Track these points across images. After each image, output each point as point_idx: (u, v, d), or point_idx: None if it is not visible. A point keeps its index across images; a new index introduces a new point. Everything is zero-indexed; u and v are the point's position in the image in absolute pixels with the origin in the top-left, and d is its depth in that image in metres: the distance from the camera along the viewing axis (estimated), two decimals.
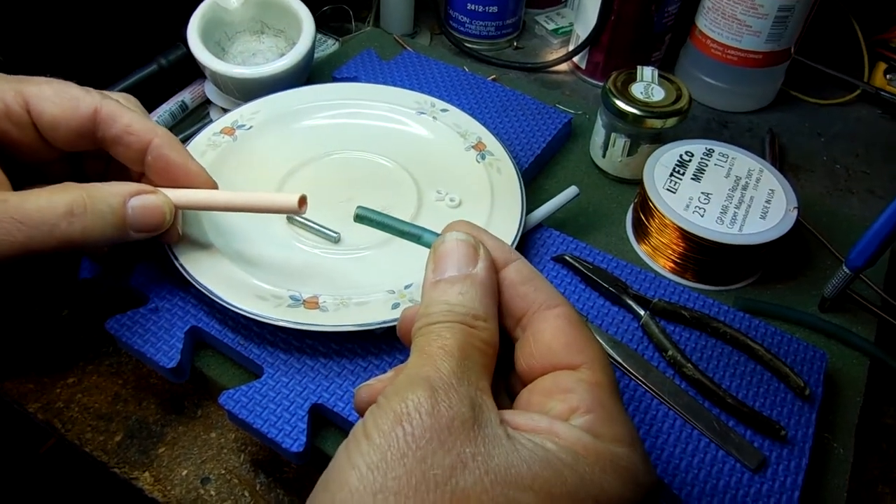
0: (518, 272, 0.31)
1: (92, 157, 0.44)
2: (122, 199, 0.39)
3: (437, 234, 0.33)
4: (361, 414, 0.29)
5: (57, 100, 0.39)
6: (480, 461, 0.24)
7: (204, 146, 0.52)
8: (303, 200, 0.40)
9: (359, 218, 0.35)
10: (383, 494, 0.23)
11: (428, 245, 0.33)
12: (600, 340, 0.45)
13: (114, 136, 0.40)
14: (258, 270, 0.45)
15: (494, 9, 0.76)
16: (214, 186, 0.43)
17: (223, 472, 0.43)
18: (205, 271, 0.44)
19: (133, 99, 0.44)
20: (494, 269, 0.31)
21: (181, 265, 0.44)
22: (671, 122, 0.55)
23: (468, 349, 0.28)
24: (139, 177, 0.43)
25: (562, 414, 0.27)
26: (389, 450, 0.24)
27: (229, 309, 0.42)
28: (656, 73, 0.58)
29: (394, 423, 0.25)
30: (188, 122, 0.65)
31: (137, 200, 0.39)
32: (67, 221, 0.37)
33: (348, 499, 0.23)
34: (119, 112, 0.40)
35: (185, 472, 0.43)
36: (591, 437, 0.26)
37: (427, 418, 0.25)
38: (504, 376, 0.32)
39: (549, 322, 0.30)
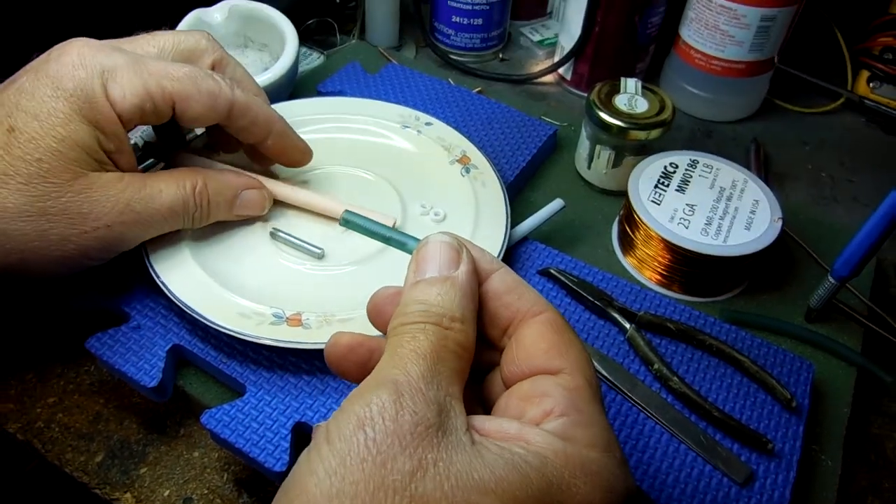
0: (502, 282, 0.31)
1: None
2: (235, 191, 0.46)
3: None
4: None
5: (199, 98, 0.41)
6: (441, 467, 0.24)
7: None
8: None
9: (345, 222, 0.34)
10: (339, 499, 0.23)
11: (412, 252, 0.32)
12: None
13: (240, 127, 0.45)
14: (241, 287, 0.44)
15: (479, 21, 0.76)
16: (310, 154, 0.50)
17: (206, 491, 0.42)
18: (186, 288, 0.43)
19: (241, 71, 0.47)
20: (476, 274, 0.31)
21: (162, 283, 0.43)
22: (655, 133, 0.55)
23: (442, 352, 0.27)
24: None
25: (536, 417, 0.27)
26: (349, 455, 0.24)
27: (211, 327, 0.41)
28: (640, 84, 0.58)
29: (355, 428, 0.24)
30: None
31: (247, 194, 0.47)
32: (189, 214, 0.44)
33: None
34: (247, 106, 0.44)
35: (167, 493, 0.42)
36: (562, 441, 0.26)
37: (390, 423, 0.24)
38: (479, 383, 0.32)
39: (532, 328, 0.30)
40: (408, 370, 0.26)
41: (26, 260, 0.39)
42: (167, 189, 0.42)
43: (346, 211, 0.35)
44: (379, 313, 0.32)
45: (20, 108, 0.38)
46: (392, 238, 0.34)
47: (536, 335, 0.29)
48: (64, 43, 0.41)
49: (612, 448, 0.27)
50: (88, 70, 0.39)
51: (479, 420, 0.27)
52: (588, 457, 0.26)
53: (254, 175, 0.48)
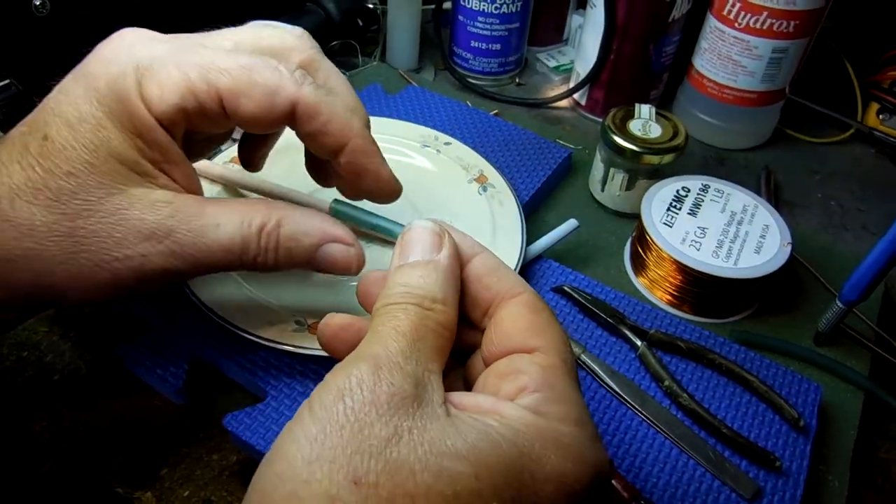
0: (483, 264, 0.32)
1: None
2: (316, 241, 0.36)
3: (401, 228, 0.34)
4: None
5: (253, 94, 0.33)
6: (416, 434, 0.25)
7: (216, 174, 0.54)
8: None
9: (334, 212, 0.36)
10: (319, 463, 0.24)
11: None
12: (598, 370, 0.46)
13: (307, 133, 0.35)
14: (263, 295, 0.46)
15: (497, 46, 0.78)
16: (400, 191, 0.39)
17: (225, 493, 0.43)
18: (212, 294, 0.45)
19: (336, 76, 0.38)
20: (458, 258, 0.32)
21: (187, 287, 0.45)
22: (668, 158, 0.57)
23: (422, 330, 0.28)
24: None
25: (510, 393, 0.28)
26: (329, 422, 0.25)
27: (234, 332, 0.43)
28: (653, 110, 0.60)
29: (335, 398, 0.25)
30: None
31: (331, 249, 0.36)
32: (249, 258, 0.35)
33: (286, 468, 0.24)
34: (316, 107, 0.34)
35: (186, 493, 0.43)
36: (534, 415, 0.27)
37: (368, 393, 0.25)
38: (462, 364, 0.33)
39: (510, 309, 0.31)
40: (387, 346, 0.27)
41: (57, 285, 0.33)
42: (227, 223, 0.34)
43: (335, 200, 0.36)
44: (367, 295, 0.33)
45: (55, 113, 0.33)
46: (379, 225, 0.35)
47: (515, 315, 0.31)
48: (113, 34, 0.35)
49: (584, 423, 0.28)
50: (121, 65, 0.32)
51: (457, 396, 0.28)
52: (559, 430, 0.27)
53: (336, 222, 0.37)
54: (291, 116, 0.34)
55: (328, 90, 0.36)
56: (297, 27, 0.38)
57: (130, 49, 0.33)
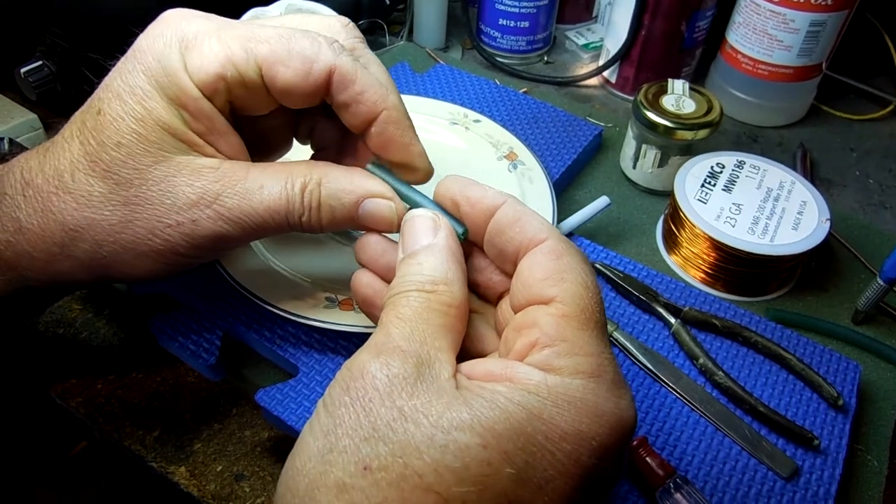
0: (505, 215, 0.32)
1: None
2: (356, 198, 0.35)
3: (428, 200, 0.35)
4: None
5: (290, 62, 0.33)
6: (420, 411, 0.25)
7: None
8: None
9: (369, 171, 0.37)
10: (332, 454, 0.25)
11: None
12: (631, 348, 0.45)
13: (342, 102, 0.35)
14: (296, 271, 0.46)
15: (526, 24, 0.77)
16: (431, 173, 0.39)
17: (257, 469, 0.44)
18: (243, 271, 0.45)
19: (375, 63, 0.38)
20: (456, 236, 0.33)
21: (219, 263, 0.45)
22: (702, 133, 0.56)
23: (425, 313, 0.29)
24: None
25: (522, 350, 0.28)
26: (338, 415, 0.26)
27: (266, 309, 0.43)
28: (687, 85, 0.59)
29: (341, 390, 0.27)
30: None
31: (371, 204, 0.36)
32: (294, 218, 0.35)
33: (305, 462, 0.26)
34: (352, 76, 0.34)
35: (220, 468, 0.44)
36: (543, 374, 0.27)
37: (369, 380, 0.26)
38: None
39: (531, 258, 0.31)
40: (389, 332, 0.29)
41: (118, 254, 0.35)
42: (270, 185, 0.34)
43: (372, 163, 0.36)
44: (370, 305, 0.36)
45: (109, 89, 0.34)
46: (409, 196, 0.35)
47: (534, 264, 0.31)
48: (161, 14, 0.36)
49: (603, 372, 0.27)
50: (167, 39, 0.34)
51: (469, 365, 0.29)
52: (571, 385, 0.27)
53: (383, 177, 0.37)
54: (327, 86, 0.34)
55: (364, 64, 0.36)
56: (343, 16, 0.39)
57: (177, 25, 0.34)
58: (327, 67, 0.34)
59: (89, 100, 0.35)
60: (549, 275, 0.30)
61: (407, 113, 0.37)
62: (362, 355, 0.28)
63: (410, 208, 0.35)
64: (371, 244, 0.36)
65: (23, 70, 0.62)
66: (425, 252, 0.32)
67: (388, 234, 0.36)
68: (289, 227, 0.36)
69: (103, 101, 0.34)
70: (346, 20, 0.39)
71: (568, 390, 0.26)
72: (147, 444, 0.44)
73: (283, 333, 0.45)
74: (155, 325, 0.44)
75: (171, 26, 0.34)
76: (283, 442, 0.45)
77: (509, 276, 0.33)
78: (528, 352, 0.28)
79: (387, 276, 0.35)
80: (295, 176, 0.35)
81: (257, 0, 0.65)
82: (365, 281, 0.36)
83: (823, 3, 0.63)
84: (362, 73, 0.35)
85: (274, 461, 0.44)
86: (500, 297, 0.35)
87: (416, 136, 0.37)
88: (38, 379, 0.47)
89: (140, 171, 0.33)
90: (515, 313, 0.31)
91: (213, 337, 0.44)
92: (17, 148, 0.55)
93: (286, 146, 0.43)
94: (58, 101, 0.65)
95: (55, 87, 0.63)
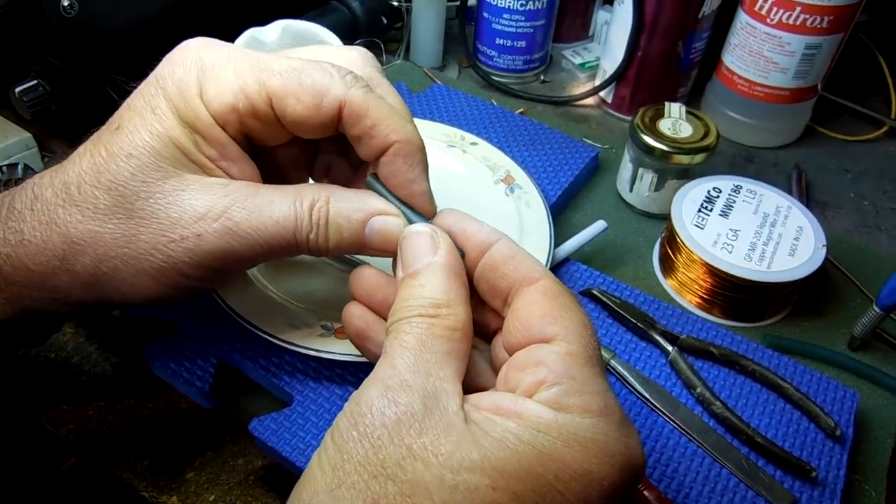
0: (500, 252, 0.32)
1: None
2: (364, 216, 0.35)
3: (424, 219, 0.34)
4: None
5: (301, 96, 0.33)
6: (429, 450, 0.25)
7: None
8: None
9: (368, 184, 0.36)
10: (341, 490, 0.25)
11: None
12: (628, 376, 0.45)
13: (354, 135, 0.35)
14: (290, 298, 0.46)
15: (522, 43, 0.77)
16: (434, 212, 0.37)
17: (250, 498, 0.43)
18: (238, 298, 0.44)
19: (392, 93, 0.37)
20: (456, 253, 0.32)
21: (214, 292, 0.44)
22: (699, 158, 0.56)
23: (428, 340, 0.29)
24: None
25: (529, 388, 0.28)
26: (346, 449, 0.26)
27: (260, 336, 0.43)
28: (684, 109, 0.59)
29: (349, 426, 0.27)
30: None
31: (379, 222, 0.35)
32: (302, 235, 0.35)
33: (313, 496, 0.26)
34: (364, 109, 0.34)
35: (212, 498, 0.43)
36: (553, 412, 0.27)
37: (378, 416, 0.26)
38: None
39: (527, 297, 0.31)
40: (394, 364, 0.28)
41: (118, 271, 0.34)
42: (280, 201, 0.34)
43: (371, 175, 0.36)
44: (364, 338, 0.35)
45: (130, 108, 0.35)
46: (404, 212, 0.35)
47: (531, 303, 0.31)
48: (182, 42, 0.36)
49: (610, 412, 0.27)
50: (186, 67, 0.34)
51: (477, 398, 0.28)
52: (581, 424, 0.27)
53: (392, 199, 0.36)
54: (338, 118, 0.34)
55: (381, 95, 0.35)
56: (360, 47, 0.39)
57: (197, 53, 0.35)
58: (337, 101, 0.33)
59: (111, 119, 0.36)
60: (548, 312, 0.30)
61: (422, 145, 0.36)
62: (370, 390, 0.27)
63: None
64: (365, 277, 0.35)
65: (17, 89, 0.62)
66: (426, 272, 0.31)
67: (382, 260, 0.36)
68: (296, 247, 0.35)
69: (123, 118, 0.34)
70: (363, 50, 0.39)
71: (578, 429, 0.26)
72: (138, 473, 0.44)
73: (279, 361, 0.44)
74: (148, 351, 0.44)
75: (192, 53, 0.35)
76: (277, 471, 0.45)
77: (498, 312, 0.33)
78: (536, 390, 0.28)
79: (381, 311, 0.35)
80: (304, 194, 0.35)
81: (254, 20, 0.65)
82: (357, 313, 0.35)
83: (819, 25, 0.63)
84: (374, 105, 0.34)
85: (267, 490, 0.44)
86: (494, 334, 0.34)
87: (426, 172, 0.36)
88: (29, 404, 0.47)
89: (148, 183, 0.33)
90: (510, 352, 0.31)
91: (207, 364, 0.43)
92: (30, 173, 0.54)
93: (302, 182, 0.42)
94: (52, 120, 0.65)
95: (50, 107, 0.63)
